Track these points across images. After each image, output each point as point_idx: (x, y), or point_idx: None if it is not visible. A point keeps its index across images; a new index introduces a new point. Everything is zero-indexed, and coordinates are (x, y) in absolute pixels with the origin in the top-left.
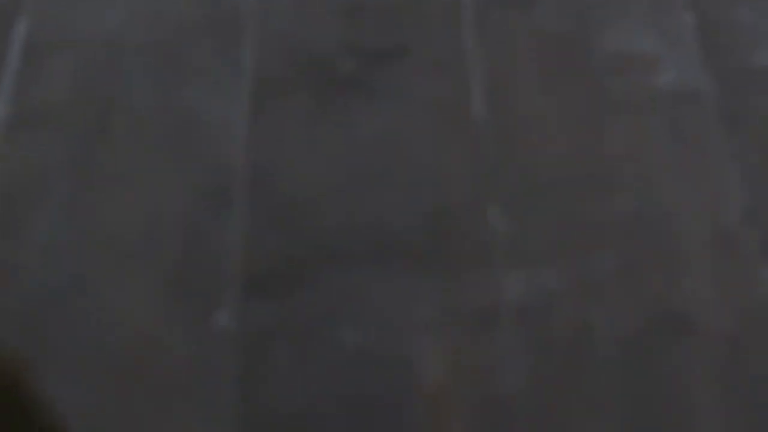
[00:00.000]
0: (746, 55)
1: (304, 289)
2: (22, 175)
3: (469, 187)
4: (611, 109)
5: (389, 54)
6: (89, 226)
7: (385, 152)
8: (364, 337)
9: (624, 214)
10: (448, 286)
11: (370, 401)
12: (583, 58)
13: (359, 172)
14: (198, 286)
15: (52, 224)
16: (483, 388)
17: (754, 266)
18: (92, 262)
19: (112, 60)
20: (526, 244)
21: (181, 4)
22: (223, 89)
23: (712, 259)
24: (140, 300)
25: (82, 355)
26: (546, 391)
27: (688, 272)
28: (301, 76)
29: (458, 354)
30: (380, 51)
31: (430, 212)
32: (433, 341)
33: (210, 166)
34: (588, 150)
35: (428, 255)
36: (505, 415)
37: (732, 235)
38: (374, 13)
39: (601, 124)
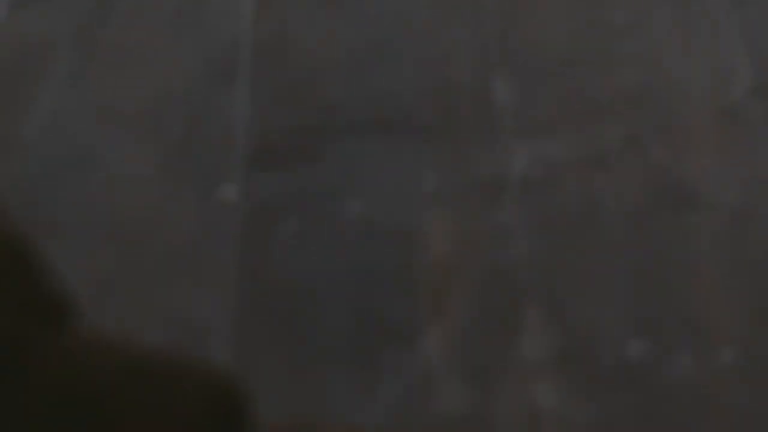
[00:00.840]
0: None
1: (310, 163)
2: (27, 48)
3: (475, 61)
4: None
5: None
6: (94, 100)
7: (391, 26)
8: (369, 210)
9: (629, 88)
10: (454, 159)
11: (374, 274)
12: None
13: (365, 46)
14: (203, 160)
15: (57, 98)
16: (487, 261)
17: (759, 139)
18: (97, 135)
19: None
20: (531, 117)
21: None
22: None
23: (717, 133)
24: (145, 174)
25: (86, 228)
26: (551, 263)
27: (694, 146)
28: None
29: (463, 226)
30: None
31: (436, 86)
32: (438, 214)
33: (216, 41)
34: (593, 22)
35: (433, 128)
36: (509, 288)
37: (738, 108)
38: None
39: None
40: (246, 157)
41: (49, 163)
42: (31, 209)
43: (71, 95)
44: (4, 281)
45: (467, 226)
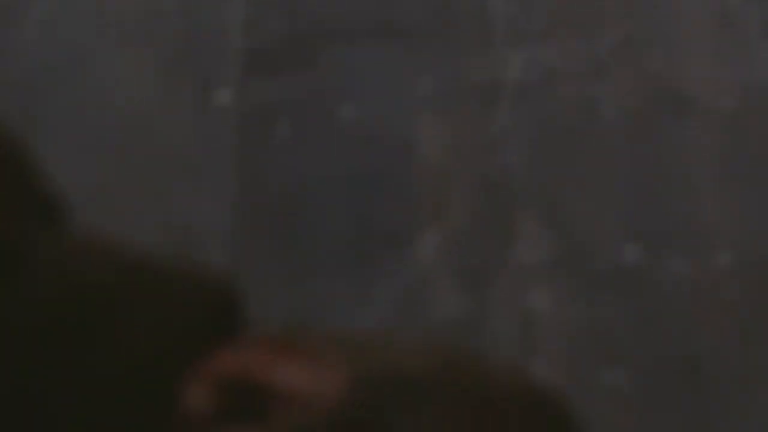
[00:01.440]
0: None
1: (305, 68)
2: None
3: None
4: None
5: None
6: (91, 5)
7: None
8: (364, 116)
9: None
10: (449, 65)
11: (369, 179)
12: None
13: None
14: (198, 64)
15: (55, 3)
16: (483, 166)
17: (755, 46)
18: (92, 40)
19: None
20: (527, 22)
21: None
22: None
23: (713, 39)
24: (140, 78)
25: (82, 132)
26: (546, 169)
27: (689, 51)
28: None
29: (459, 132)
30: None
31: None
32: (434, 119)
33: None
34: None
35: (430, 34)
36: (505, 193)
37: (733, 14)
38: None
39: None
40: (241, 63)
41: (46, 68)
42: (26, 113)
43: (69, 1)
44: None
45: (463, 131)
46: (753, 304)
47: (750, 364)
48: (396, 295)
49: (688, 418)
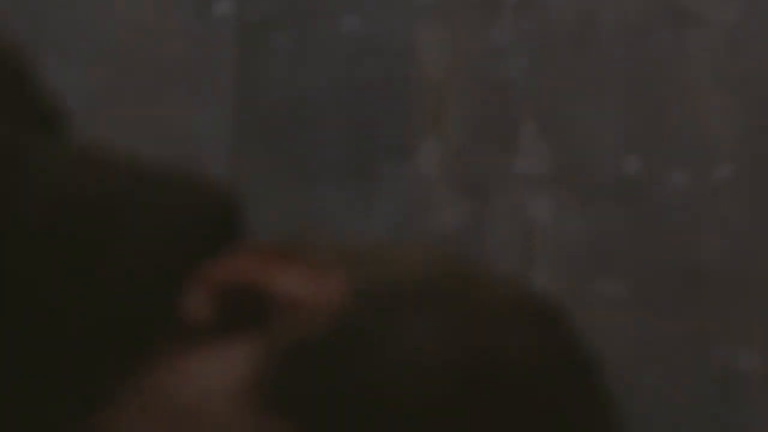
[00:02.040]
0: None
1: None
2: None
3: None
4: None
5: None
6: None
7: None
8: (365, 25)
9: None
10: None
11: (371, 89)
12: None
13: None
14: None
15: None
16: (484, 76)
17: None
18: None
19: None
20: None
21: None
22: None
23: None
24: None
25: (82, 43)
26: (547, 79)
27: None
28: None
29: (459, 41)
30: None
31: None
32: (435, 30)
33: None
34: None
35: None
36: (505, 103)
37: None
38: None
39: None
40: None
41: None
42: (27, 24)
43: None
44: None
45: (464, 42)
46: (752, 216)
47: (747, 274)
48: (395, 207)
49: (687, 328)
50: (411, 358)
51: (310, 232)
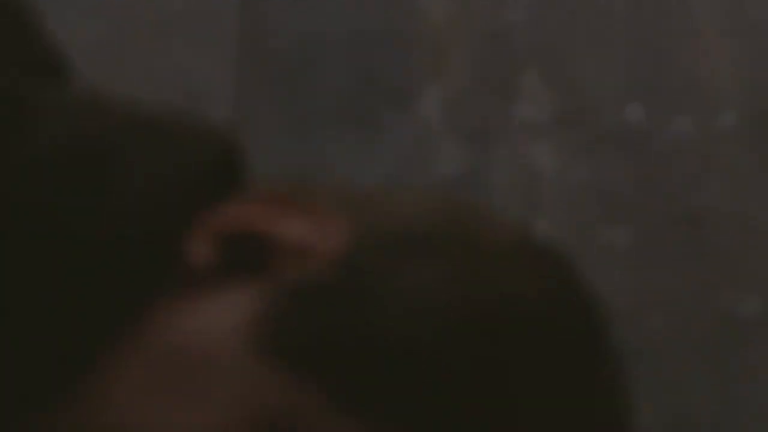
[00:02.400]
0: None
1: None
2: None
3: None
4: None
5: None
6: None
7: None
8: None
9: None
10: None
11: (373, 35)
12: None
13: None
14: None
15: None
16: (486, 23)
17: None
18: None
19: None
20: None
21: None
22: None
23: None
24: None
25: None
26: (550, 26)
27: None
28: None
29: None
30: None
31: None
32: None
33: None
34: None
35: None
36: (508, 50)
37: None
38: None
39: None
40: None
41: None
42: None
43: None
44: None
45: None
46: (755, 163)
47: (751, 221)
48: (397, 154)
49: (691, 274)
50: (415, 300)
51: (312, 178)
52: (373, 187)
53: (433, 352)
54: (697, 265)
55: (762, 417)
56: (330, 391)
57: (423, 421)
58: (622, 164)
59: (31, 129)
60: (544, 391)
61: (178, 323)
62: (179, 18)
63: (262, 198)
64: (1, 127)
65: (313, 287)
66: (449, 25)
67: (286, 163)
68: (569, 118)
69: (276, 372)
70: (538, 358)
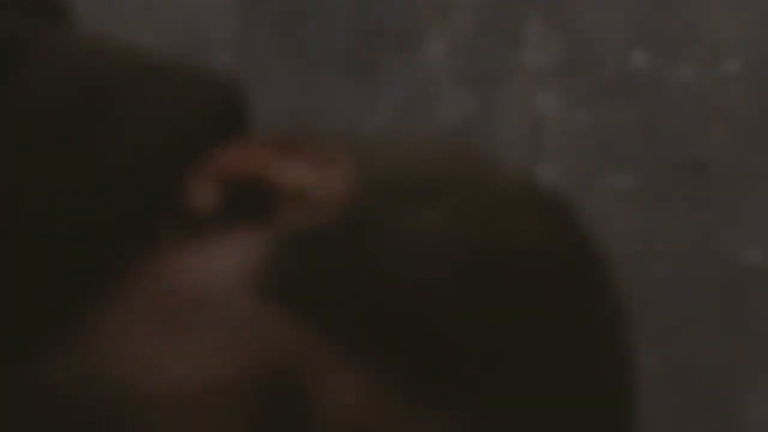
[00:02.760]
0: None
1: None
2: None
3: None
4: None
5: None
6: None
7: None
8: None
9: None
10: None
11: None
12: None
13: None
14: None
15: None
16: None
17: None
18: None
19: None
20: None
21: None
22: None
23: None
24: None
25: None
26: None
27: None
28: None
29: None
30: None
31: None
32: None
33: None
34: None
35: None
36: None
37: None
38: None
39: None
40: None
41: None
42: None
43: None
44: None
45: None
46: (759, 110)
47: (755, 169)
48: (401, 99)
49: (694, 222)
50: (418, 244)
51: (316, 125)
52: (377, 135)
53: (436, 294)
54: (700, 213)
55: (764, 363)
56: (334, 335)
57: (427, 361)
58: (626, 111)
59: (32, 72)
60: (545, 335)
61: (178, 268)
62: None
63: (265, 143)
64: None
65: (316, 232)
66: None
67: (289, 108)
68: (573, 64)
69: (278, 317)
70: (540, 301)
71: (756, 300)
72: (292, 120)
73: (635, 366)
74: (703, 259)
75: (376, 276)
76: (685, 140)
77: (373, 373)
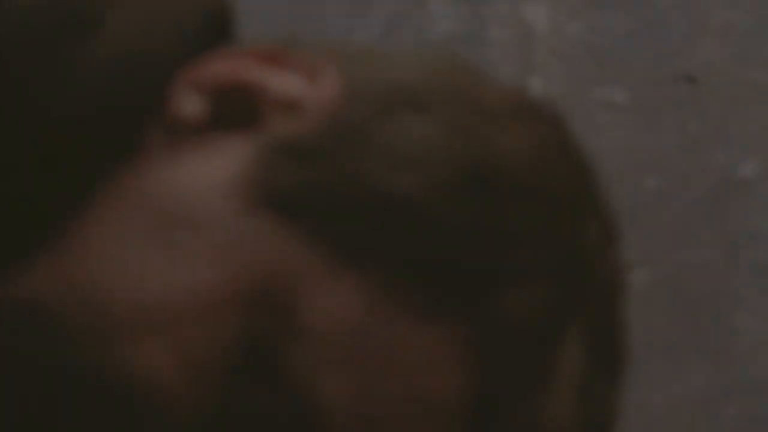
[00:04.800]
0: None
1: None
2: None
3: None
4: None
5: None
6: None
7: None
8: None
9: None
10: None
11: None
12: None
13: None
14: None
15: None
16: None
17: None
18: None
19: None
20: None
21: None
22: None
23: None
24: None
25: None
26: None
27: None
28: None
29: None
30: None
31: None
32: None
33: None
34: None
35: None
36: None
37: None
38: None
39: None
40: None
41: None
42: None
43: None
44: None
45: None
46: (753, 21)
47: (747, 82)
48: (390, 10)
49: (686, 135)
50: (410, 156)
51: (304, 35)
52: (367, 46)
53: (428, 203)
54: (694, 124)
55: (761, 275)
56: (324, 244)
57: (419, 270)
58: (619, 22)
59: None
60: (538, 246)
61: (164, 176)
62: None
63: (252, 52)
64: None
65: (305, 141)
66: None
67: (277, 19)
68: None
69: (266, 225)
70: (533, 213)
71: (752, 212)
72: (279, 31)
73: (626, 278)
74: (697, 171)
75: (366, 185)
76: (679, 51)
77: (363, 283)
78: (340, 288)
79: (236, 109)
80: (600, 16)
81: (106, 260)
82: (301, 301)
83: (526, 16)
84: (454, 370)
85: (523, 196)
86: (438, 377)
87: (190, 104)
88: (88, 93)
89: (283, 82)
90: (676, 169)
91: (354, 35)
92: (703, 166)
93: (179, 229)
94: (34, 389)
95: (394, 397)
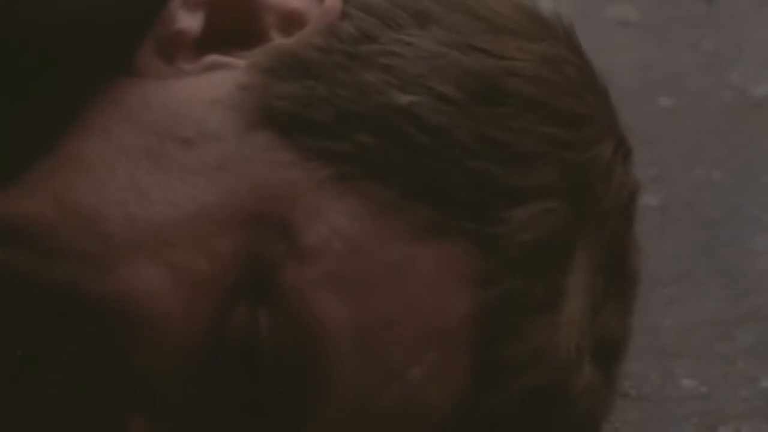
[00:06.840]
0: None
1: None
2: None
3: None
4: None
5: None
6: None
7: None
8: None
9: None
10: None
11: None
12: None
13: None
14: None
15: None
16: None
17: None
18: None
19: None
20: None
21: None
22: None
23: None
24: None
25: None
26: None
27: None
28: None
29: None
30: None
31: None
32: None
33: None
34: None
35: None
36: None
37: None
38: None
39: None
40: None
41: None
42: None
43: None
44: None
45: None
46: None
47: (764, 1)
48: None
49: (701, 53)
50: (413, 65)
51: None
52: None
53: (429, 117)
54: (709, 43)
55: None
56: (325, 160)
57: (423, 186)
58: None
59: None
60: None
61: (158, 91)
62: None
63: None
64: None
65: (304, 54)
66: None
67: None
68: None
69: (265, 142)
70: (537, 129)
71: (764, 132)
72: None
73: (638, 199)
74: (709, 91)
75: (367, 101)
76: None
77: (364, 200)
78: (341, 205)
79: (234, 24)
80: None
81: (97, 178)
82: (301, 219)
83: None
84: (459, 290)
85: (532, 113)
86: (442, 298)
87: (186, 19)
88: (78, 8)
89: None
90: (691, 88)
91: None
92: (718, 84)
93: (175, 144)
94: (20, 306)
95: (395, 319)
